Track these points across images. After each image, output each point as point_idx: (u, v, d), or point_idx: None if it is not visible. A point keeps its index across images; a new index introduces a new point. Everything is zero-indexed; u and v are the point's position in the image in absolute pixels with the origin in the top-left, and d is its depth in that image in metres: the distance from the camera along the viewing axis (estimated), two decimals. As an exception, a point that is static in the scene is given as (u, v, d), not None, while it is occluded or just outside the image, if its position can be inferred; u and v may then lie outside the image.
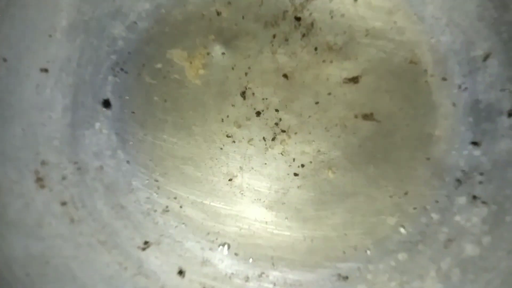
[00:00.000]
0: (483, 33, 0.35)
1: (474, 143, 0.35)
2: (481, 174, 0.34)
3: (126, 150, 0.36)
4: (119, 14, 0.36)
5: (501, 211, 0.33)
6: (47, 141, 0.34)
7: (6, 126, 0.32)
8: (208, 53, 0.37)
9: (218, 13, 0.37)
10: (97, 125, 0.36)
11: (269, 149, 0.37)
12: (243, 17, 0.37)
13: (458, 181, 0.35)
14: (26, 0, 0.33)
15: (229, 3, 0.37)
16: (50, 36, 0.34)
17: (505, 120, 0.35)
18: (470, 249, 0.33)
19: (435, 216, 0.35)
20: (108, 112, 0.36)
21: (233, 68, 0.37)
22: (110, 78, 0.36)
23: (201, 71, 0.37)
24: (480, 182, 0.34)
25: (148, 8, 0.37)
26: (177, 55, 0.37)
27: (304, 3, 0.38)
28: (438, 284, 0.32)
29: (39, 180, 0.33)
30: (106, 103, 0.36)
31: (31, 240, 0.31)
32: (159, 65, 0.37)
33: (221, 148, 0.37)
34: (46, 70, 0.34)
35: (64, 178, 0.34)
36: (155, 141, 0.37)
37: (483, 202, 0.34)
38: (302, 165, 0.36)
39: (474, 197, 0.34)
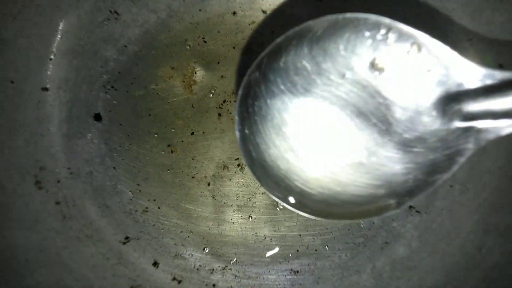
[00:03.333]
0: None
1: (415, 160, 0.39)
2: (418, 187, 0.39)
3: (113, 157, 0.38)
4: (111, 39, 0.38)
5: (429, 220, 0.36)
6: (45, 149, 0.36)
7: (11, 137, 0.34)
8: (195, 72, 0.40)
9: (199, 38, 0.40)
10: (89, 136, 0.38)
11: (238, 160, 0.39)
12: (222, 42, 0.39)
13: (399, 192, 0.39)
14: (31, 30, 0.35)
15: (210, 30, 0.40)
16: (50, 59, 0.36)
17: (441, 141, 0.39)
18: (401, 251, 0.36)
19: (376, 221, 0.38)
20: (98, 124, 0.38)
21: (211, 88, 0.39)
22: (102, 95, 0.38)
23: (194, 87, 0.39)
24: (417, 194, 0.38)
25: (137, 33, 0.39)
26: (164, 74, 0.39)
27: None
28: (372, 280, 0.35)
29: (38, 183, 0.35)
30: (97, 117, 0.38)
31: (29, 232, 0.33)
32: (145, 84, 0.39)
33: (196, 158, 0.39)
34: (46, 89, 0.36)
35: (58, 181, 0.36)
36: (139, 150, 0.39)
37: (417, 212, 0.37)
38: (267, 174, 0.40)
39: (410, 207, 0.37)
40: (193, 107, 0.40)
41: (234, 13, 0.40)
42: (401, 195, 0.24)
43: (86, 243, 0.35)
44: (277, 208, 0.39)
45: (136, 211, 0.38)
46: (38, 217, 0.34)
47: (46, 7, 0.36)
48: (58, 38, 0.37)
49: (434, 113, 0.22)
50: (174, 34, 0.40)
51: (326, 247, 0.38)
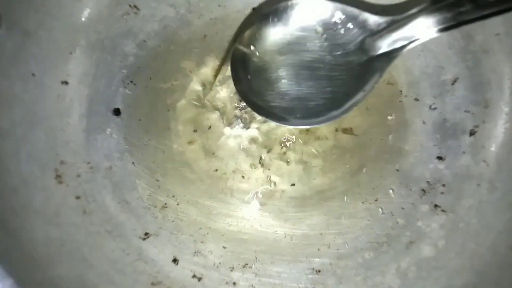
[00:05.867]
0: (452, 59, 0.38)
1: (439, 158, 0.38)
2: (443, 185, 0.37)
3: (132, 153, 0.38)
4: (130, 33, 0.39)
5: (456, 219, 0.36)
6: (65, 144, 0.36)
7: (31, 131, 0.34)
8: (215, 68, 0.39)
9: (218, 34, 0.39)
10: (108, 130, 0.38)
11: (258, 156, 0.39)
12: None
13: (423, 191, 0.38)
14: (51, 23, 0.35)
15: (229, 26, 0.39)
16: (70, 53, 0.37)
17: (467, 139, 0.37)
18: (427, 251, 0.35)
19: (400, 220, 0.37)
20: (118, 119, 0.38)
21: (229, 83, 0.39)
22: (121, 89, 0.38)
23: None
24: (442, 193, 0.37)
25: (156, 29, 0.39)
26: (183, 69, 0.39)
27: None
28: (397, 280, 0.35)
29: (58, 177, 0.35)
30: (117, 111, 0.38)
31: (50, 227, 0.33)
32: (164, 79, 0.39)
33: (216, 154, 0.39)
34: (66, 83, 0.36)
35: (78, 175, 0.36)
36: (158, 145, 0.39)
37: (443, 210, 0.36)
38: (286, 171, 0.39)
39: (436, 206, 0.37)
40: (212, 102, 0.40)
41: (254, 8, 0.40)
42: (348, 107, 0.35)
43: (106, 238, 0.35)
44: (299, 206, 0.38)
45: (155, 207, 0.38)
46: (58, 212, 0.34)
47: (67, 1, 0.36)
48: (78, 32, 0.37)
49: (357, 52, 0.35)
50: (193, 29, 0.40)
51: (347, 245, 0.37)
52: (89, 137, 0.37)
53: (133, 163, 0.38)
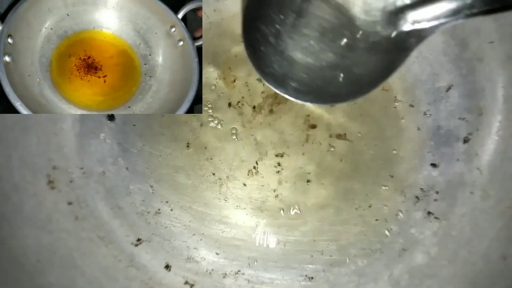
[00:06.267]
0: (447, 66, 0.38)
1: (433, 165, 0.38)
2: (437, 192, 0.37)
3: (126, 158, 0.38)
4: None
5: (449, 226, 0.36)
6: (58, 149, 0.36)
7: (24, 136, 0.34)
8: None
9: (213, 39, 0.39)
10: (102, 135, 0.38)
11: (252, 162, 0.39)
12: (236, 43, 0.39)
13: (417, 197, 0.38)
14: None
15: (224, 30, 0.39)
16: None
17: (460, 146, 0.37)
18: (420, 258, 0.35)
19: (393, 227, 0.37)
20: (112, 124, 0.38)
21: (224, 89, 0.39)
22: (115, 94, 0.38)
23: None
24: (435, 200, 0.37)
25: None
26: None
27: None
28: (389, 287, 0.35)
29: (50, 182, 0.35)
30: (111, 117, 0.38)
31: (41, 233, 0.33)
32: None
33: (211, 159, 0.39)
34: (60, 87, 0.36)
35: (71, 181, 0.36)
36: (152, 151, 0.38)
37: (436, 218, 0.36)
38: (280, 178, 0.39)
39: (429, 213, 0.37)
40: (206, 108, 0.39)
41: (251, 13, 0.40)
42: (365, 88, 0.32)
43: (98, 244, 0.35)
44: (290, 212, 0.38)
45: (148, 212, 0.38)
46: (50, 217, 0.34)
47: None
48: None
49: (386, 23, 0.30)
50: (188, 34, 0.39)
51: (340, 252, 0.37)
52: (82, 142, 0.37)
53: (126, 168, 0.38)
